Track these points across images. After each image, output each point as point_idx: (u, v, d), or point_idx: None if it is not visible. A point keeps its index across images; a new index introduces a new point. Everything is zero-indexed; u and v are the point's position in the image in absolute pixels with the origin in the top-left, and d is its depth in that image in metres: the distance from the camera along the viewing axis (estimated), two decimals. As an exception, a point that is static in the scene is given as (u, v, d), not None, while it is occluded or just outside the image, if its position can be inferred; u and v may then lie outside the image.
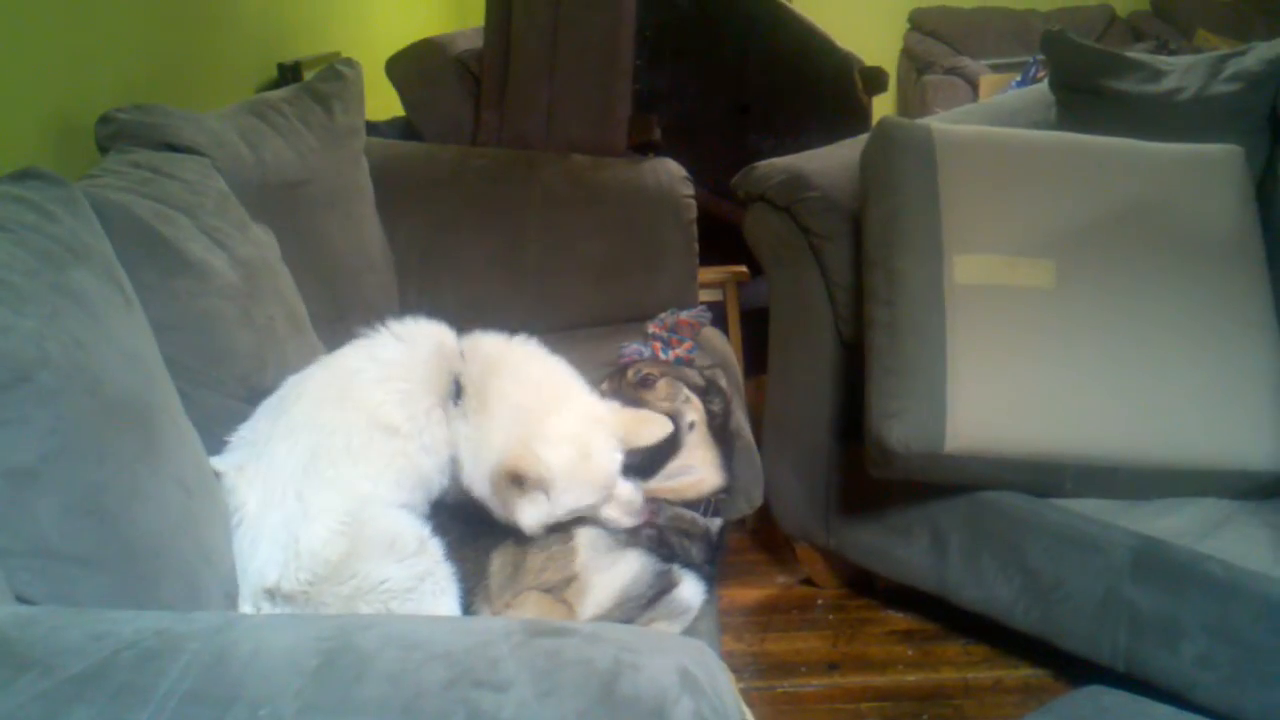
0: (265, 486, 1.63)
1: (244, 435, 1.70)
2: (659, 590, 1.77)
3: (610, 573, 1.74)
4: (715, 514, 1.90)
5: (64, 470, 1.19)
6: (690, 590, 1.81)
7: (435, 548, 1.65)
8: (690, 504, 1.87)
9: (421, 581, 1.60)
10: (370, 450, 1.70)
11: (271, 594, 1.55)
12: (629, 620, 1.73)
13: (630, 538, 1.78)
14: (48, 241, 1.33)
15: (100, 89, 2.19)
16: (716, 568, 1.90)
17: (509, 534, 1.74)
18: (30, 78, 2.02)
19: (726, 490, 1.93)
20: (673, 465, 1.88)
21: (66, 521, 1.19)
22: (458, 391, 1.79)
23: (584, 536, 1.76)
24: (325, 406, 1.73)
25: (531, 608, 1.67)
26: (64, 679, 0.93)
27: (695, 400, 1.96)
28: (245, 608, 1.55)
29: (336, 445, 1.68)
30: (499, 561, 1.74)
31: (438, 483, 1.77)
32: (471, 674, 0.95)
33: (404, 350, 1.83)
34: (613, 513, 1.74)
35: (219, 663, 0.96)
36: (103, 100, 2.05)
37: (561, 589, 1.70)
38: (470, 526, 1.76)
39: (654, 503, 1.82)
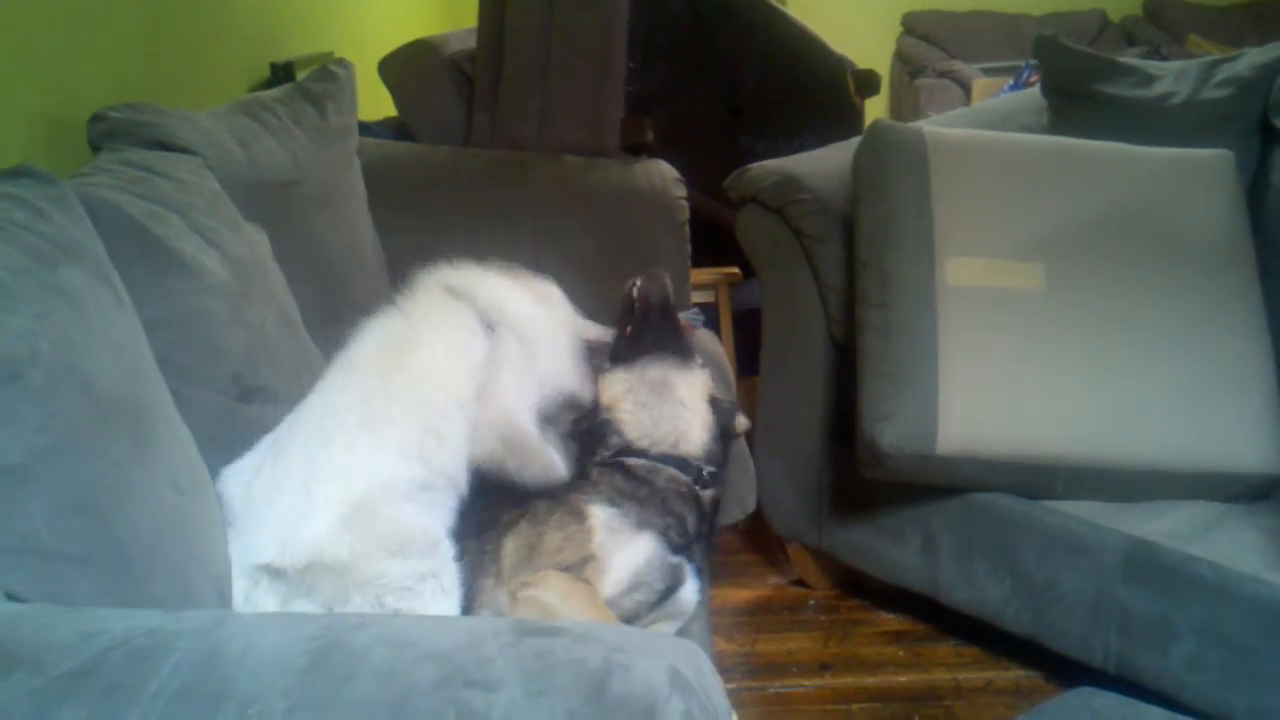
0: (281, 469, 1.66)
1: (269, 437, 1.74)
2: (669, 585, 1.79)
3: (626, 553, 1.76)
4: (706, 488, 1.92)
5: (55, 468, 1.19)
6: (689, 590, 1.83)
7: (446, 549, 1.66)
8: (681, 463, 1.90)
9: (423, 581, 1.61)
10: (389, 414, 1.74)
11: (269, 570, 1.56)
12: (641, 606, 1.75)
13: (642, 519, 1.80)
14: (38, 239, 1.32)
15: (93, 87, 2.19)
16: (711, 543, 1.94)
17: (522, 517, 1.78)
18: (22, 75, 2.01)
19: (716, 466, 1.95)
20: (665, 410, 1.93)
21: (57, 519, 1.19)
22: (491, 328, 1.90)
23: (599, 517, 1.79)
24: (344, 382, 1.80)
25: (553, 584, 1.67)
26: (54, 677, 0.93)
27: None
28: (240, 583, 1.56)
29: (350, 420, 1.71)
30: (512, 544, 1.76)
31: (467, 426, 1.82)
32: (462, 673, 0.95)
33: (422, 306, 1.94)
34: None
35: (209, 661, 0.96)
36: (95, 98, 2.04)
37: (580, 568, 1.72)
38: (487, 511, 1.79)
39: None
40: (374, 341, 1.89)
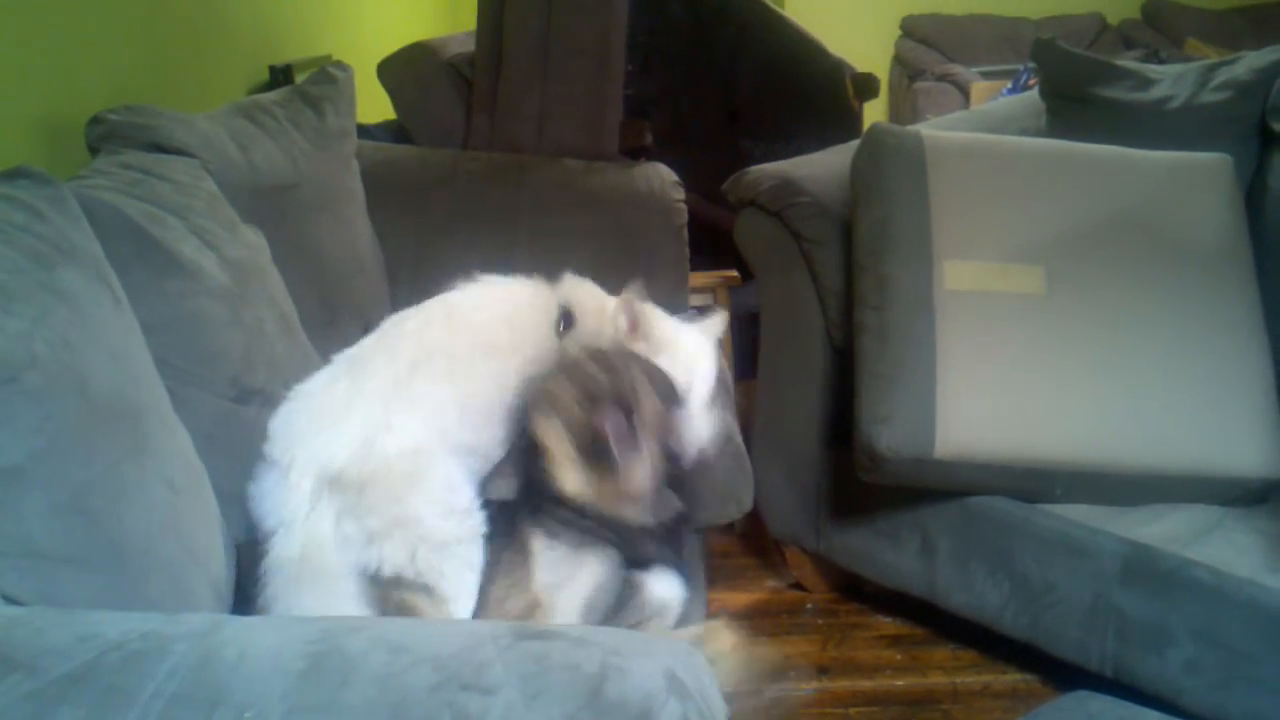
0: (356, 383, 1.72)
1: (348, 352, 1.81)
2: (626, 597, 1.74)
3: (570, 587, 1.70)
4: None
5: (51, 470, 1.19)
6: (662, 586, 1.77)
7: (478, 522, 1.68)
8: None
9: (457, 544, 1.64)
10: (470, 372, 1.78)
11: (332, 480, 1.61)
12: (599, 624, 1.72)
13: (582, 542, 1.73)
14: (36, 241, 1.32)
15: (91, 90, 2.19)
16: (681, 548, 1.87)
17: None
18: (21, 78, 2.01)
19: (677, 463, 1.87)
20: None
21: (54, 521, 1.18)
22: (568, 320, 1.91)
23: (537, 545, 1.72)
24: (431, 328, 1.83)
25: None
26: (50, 680, 0.92)
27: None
28: (304, 485, 1.61)
29: (437, 366, 1.75)
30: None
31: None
32: (458, 677, 0.95)
33: (510, 285, 1.97)
34: None
35: (205, 665, 0.96)
36: (93, 101, 2.04)
37: (526, 618, 1.68)
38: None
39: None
40: (482, 296, 1.94)
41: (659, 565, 1.80)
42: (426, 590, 1.61)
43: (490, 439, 1.80)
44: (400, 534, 1.60)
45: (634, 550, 1.77)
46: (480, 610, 1.71)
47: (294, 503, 1.62)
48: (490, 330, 1.87)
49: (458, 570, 1.63)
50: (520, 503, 1.80)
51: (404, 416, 1.68)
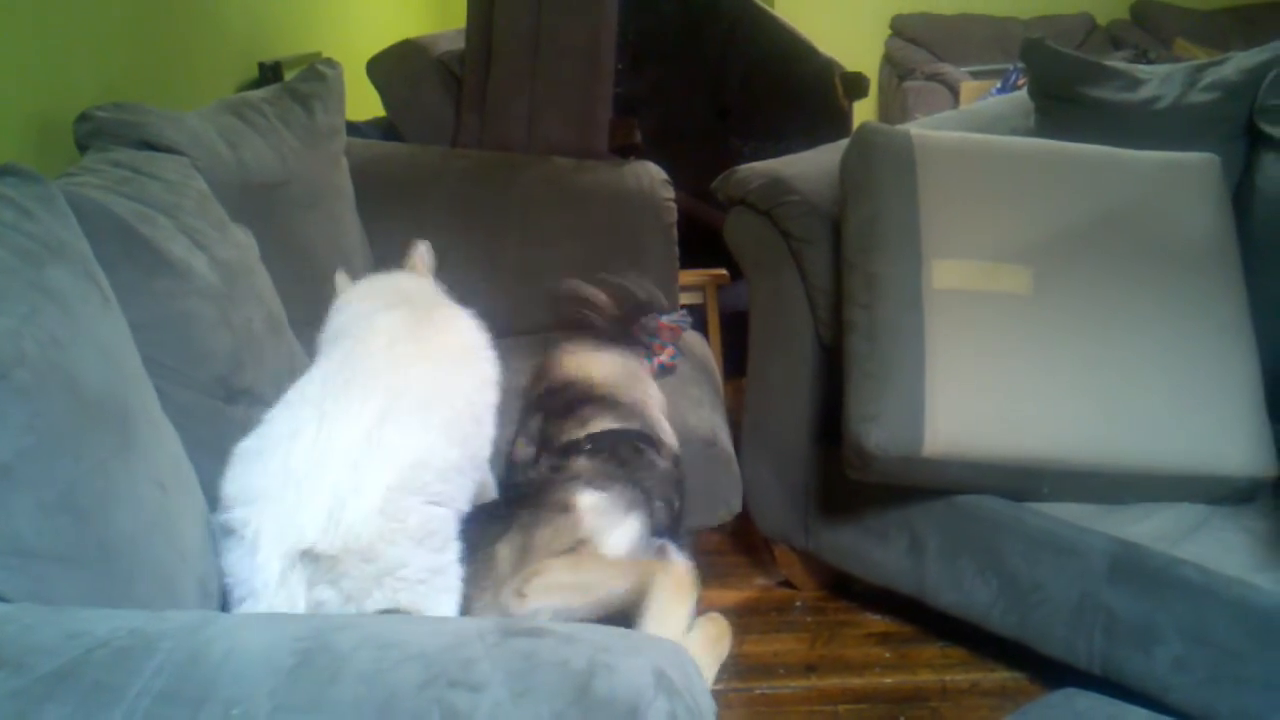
0: (323, 437, 1.62)
1: (310, 392, 1.71)
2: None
3: (617, 532, 1.78)
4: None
5: (39, 468, 1.19)
6: (679, 556, 1.84)
7: (455, 548, 1.67)
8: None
9: (434, 575, 1.61)
10: (437, 390, 1.75)
11: (307, 554, 1.54)
12: None
13: (633, 501, 1.82)
14: (25, 239, 1.32)
15: (80, 87, 2.18)
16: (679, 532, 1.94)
17: (509, 527, 1.78)
18: (8, 75, 2.00)
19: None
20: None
21: (42, 519, 1.18)
22: None
23: (585, 501, 1.80)
24: (401, 352, 1.79)
25: (559, 568, 1.69)
26: (36, 677, 0.92)
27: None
28: (276, 563, 1.53)
29: (408, 403, 1.69)
30: (505, 550, 1.76)
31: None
32: (446, 674, 0.95)
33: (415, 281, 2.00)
34: None
35: (192, 662, 0.96)
36: (82, 98, 2.04)
37: (573, 553, 1.73)
38: (479, 525, 1.77)
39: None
40: (411, 313, 1.92)
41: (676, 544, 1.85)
42: None
43: (478, 439, 1.80)
44: (379, 590, 1.56)
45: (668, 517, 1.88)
46: (525, 556, 1.73)
47: (263, 577, 1.54)
48: (467, 334, 1.88)
49: (437, 599, 1.61)
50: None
51: (374, 475, 1.59)
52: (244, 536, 1.55)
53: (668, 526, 1.87)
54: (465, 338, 1.92)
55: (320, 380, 1.73)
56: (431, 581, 1.61)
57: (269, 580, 1.53)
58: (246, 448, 1.63)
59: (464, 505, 1.73)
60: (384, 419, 1.65)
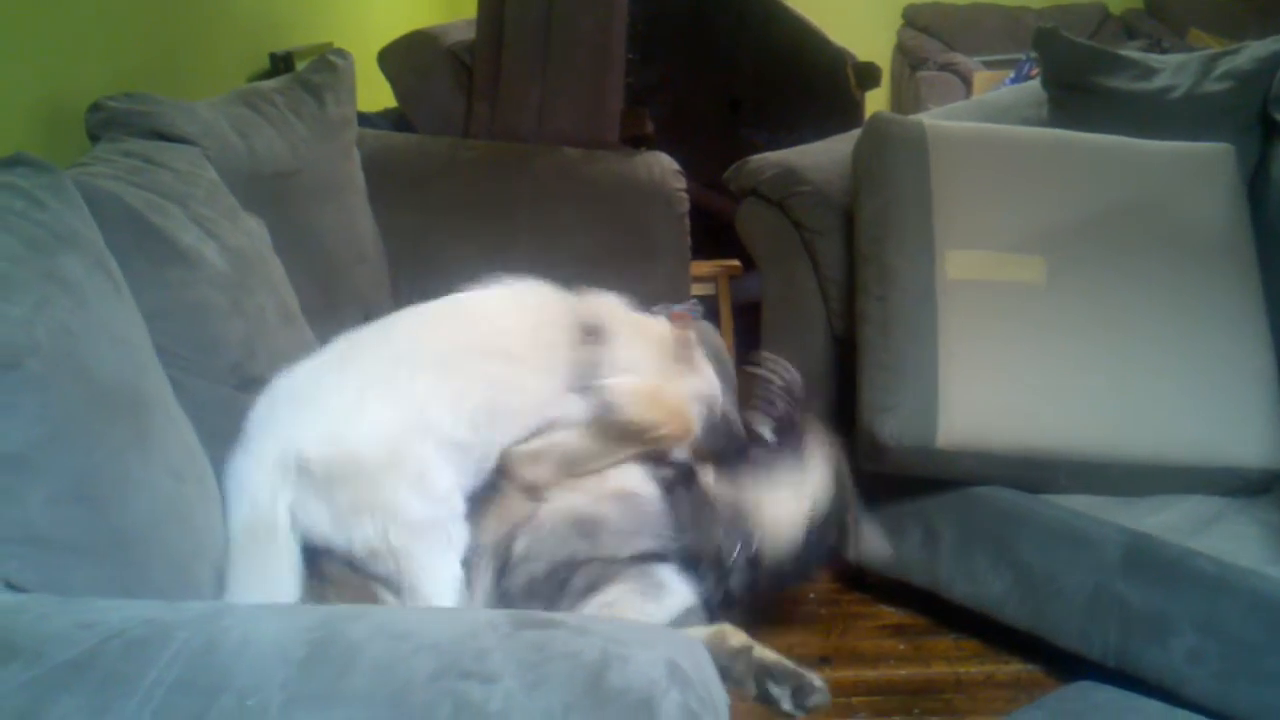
0: (341, 369, 1.72)
1: (346, 337, 1.80)
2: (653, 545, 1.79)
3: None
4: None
5: (53, 457, 1.19)
6: (677, 577, 1.81)
7: (459, 503, 1.68)
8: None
9: (433, 528, 1.63)
10: (469, 371, 1.76)
11: (298, 466, 1.59)
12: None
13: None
14: (36, 228, 1.32)
15: (91, 77, 2.18)
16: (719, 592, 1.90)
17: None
18: (21, 65, 2.01)
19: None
20: None
21: (56, 509, 1.18)
22: (597, 335, 1.89)
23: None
24: (433, 325, 1.85)
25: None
26: (51, 667, 0.92)
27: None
28: (269, 474, 1.58)
29: (427, 361, 1.74)
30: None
31: (534, 416, 1.82)
32: (459, 665, 0.95)
33: (526, 291, 1.96)
34: None
35: (207, 652, 0.95)
36: (94, 88, 2.03)
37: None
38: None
39: None
40: (498, 300, 1.94)
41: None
42: (393, 586, 1.61)
43: (489, 439, 1.78)
44: (370, 515, 1.59)
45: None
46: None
47: (256, 481, 1.60)
48: (500, 335, 1.85)
49: (431, 549, 1.62)
50: None
51: (379, 405, 1.66)
52: (250, 440, 1.62)
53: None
54: (504, 341, 1.89)
55: (356, 333, 1.82)
56: (427, 533, 1.62)
57: (261, 484, 1.59)
58: (290, 370, 1.73)
59: (464, 480, 1.73)
60: (401, 362, 1.72)
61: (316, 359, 1.77)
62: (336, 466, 1.59)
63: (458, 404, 1.72)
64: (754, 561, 1.90)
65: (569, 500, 1.75)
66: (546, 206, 2.81)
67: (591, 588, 1.71)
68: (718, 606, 1.88)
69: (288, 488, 1.59)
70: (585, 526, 1.73)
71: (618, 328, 1.93)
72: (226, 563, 1.55)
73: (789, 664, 1.58)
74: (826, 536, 1.99)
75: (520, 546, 1.69)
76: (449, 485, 1.68)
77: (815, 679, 1.56)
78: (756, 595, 1.96)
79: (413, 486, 1.62)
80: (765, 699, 1.56)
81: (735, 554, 1.87)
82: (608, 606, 1.70)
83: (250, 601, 1.47)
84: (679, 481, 1.85)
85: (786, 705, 1.55)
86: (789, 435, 1.98)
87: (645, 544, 1.78)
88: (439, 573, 1.63)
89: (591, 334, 1.89)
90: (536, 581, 1.69)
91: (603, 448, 1.81)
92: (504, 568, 1.69)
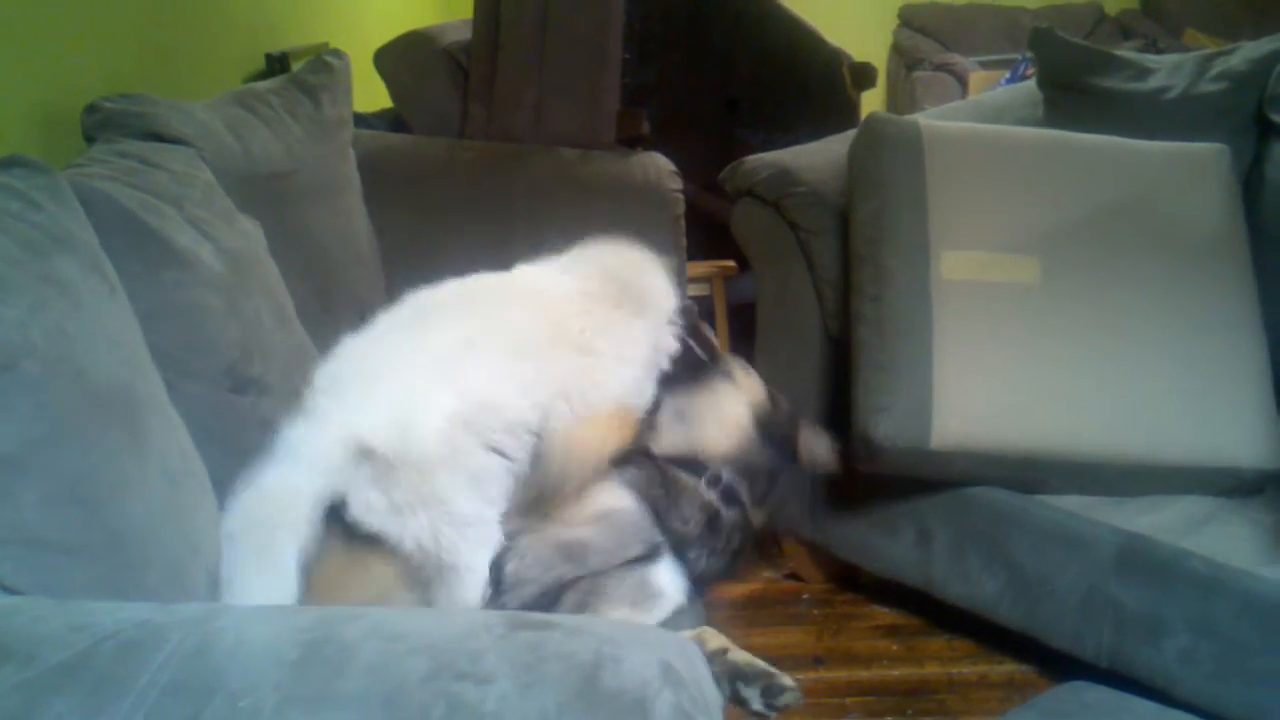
0: (410, 343, 1.72)
1: (419, 301, 1.81)
2: (640, 551, 1.78)
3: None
4: (726, 497, 1.89)
5: (48, 458, 1.19)
6: (667, 577, 1.81)
7: (501, 505, 1.68)
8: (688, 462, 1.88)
9: (479, 525, 1.63)
10: (538, 357, 1.76)
11: (362, 449, 1.59)
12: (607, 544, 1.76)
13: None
14: (31, 229, 1.32)
15: (87, 78, 2.18)
16: (717, 559, 1.89)
17: None
18: (16, 66, 2.01)
19: (748, 476, 1.93)
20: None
21: (50, 510, 1.18)
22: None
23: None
24: (508, 303, 1.83)
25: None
26: (44, 670, 0.93)
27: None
28: (333, 451, 1.58)
29: (498, 342, 1.73)
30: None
31: (610, 405, 1.82)
32: (453, 666, 0.95)
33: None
34: None
35: (200, 654, 0.96)
36: (89, 89, 2.04)
37: None
38: None
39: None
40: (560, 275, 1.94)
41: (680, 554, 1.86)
42: (421, 580, 1.61)
43: (554, 431, 1.77)
44: (425, 511, 1.59)
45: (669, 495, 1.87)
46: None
47: (313, 450, 1.60)
48: (574, 319, 1.86)
49: (474, 548, 1.62)
50: None
51: (446, 396, 1.65)
52: (313, 412, 1.63)
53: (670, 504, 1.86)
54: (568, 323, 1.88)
55: (428, 299, 1.82)
56: (473, 530, 1.62)
57: (318, 457, 1.59)
58: (347, 340, 1.74)
59: (523, 467, 1.72)
60: (469, 347, 1.70)
61: (389, 323, 1.76)
62: (398, 459, 1.59)
63: (528, 393, 1.72)
64: (729, 494, 1.89)
65: (551, 530, 1.75)
66: (542, 207, 2.81)
67: (582, 605, 1.71)
68: (725, 568, 1.90)
69: (345, 470, 1.59)
70: (570, 551, 1.73)
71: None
72: (246, 526, 1.56)
73: (761, 665, 1.58)
74: (780, 443, 2.02)
75: (510, 570, 1.69)
76: (501, 488, 1.67)
77: (786, 679, 1.56)
78: (746, 534, 1.95)
79: (466, 485, 1.62)
80: (737, 700, 1.56)
81: (705, 487, 1.87)
82: None
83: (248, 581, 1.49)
84: (646, 476, 1.85)
85: (757, 705, 1.55)
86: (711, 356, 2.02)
87: (632, 552, 1.77)
88: (472, 574, 1.63)
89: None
90: (528, 605, 1.68)
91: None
92: (498, 589, 1.69)
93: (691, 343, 2.00)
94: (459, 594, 1.60)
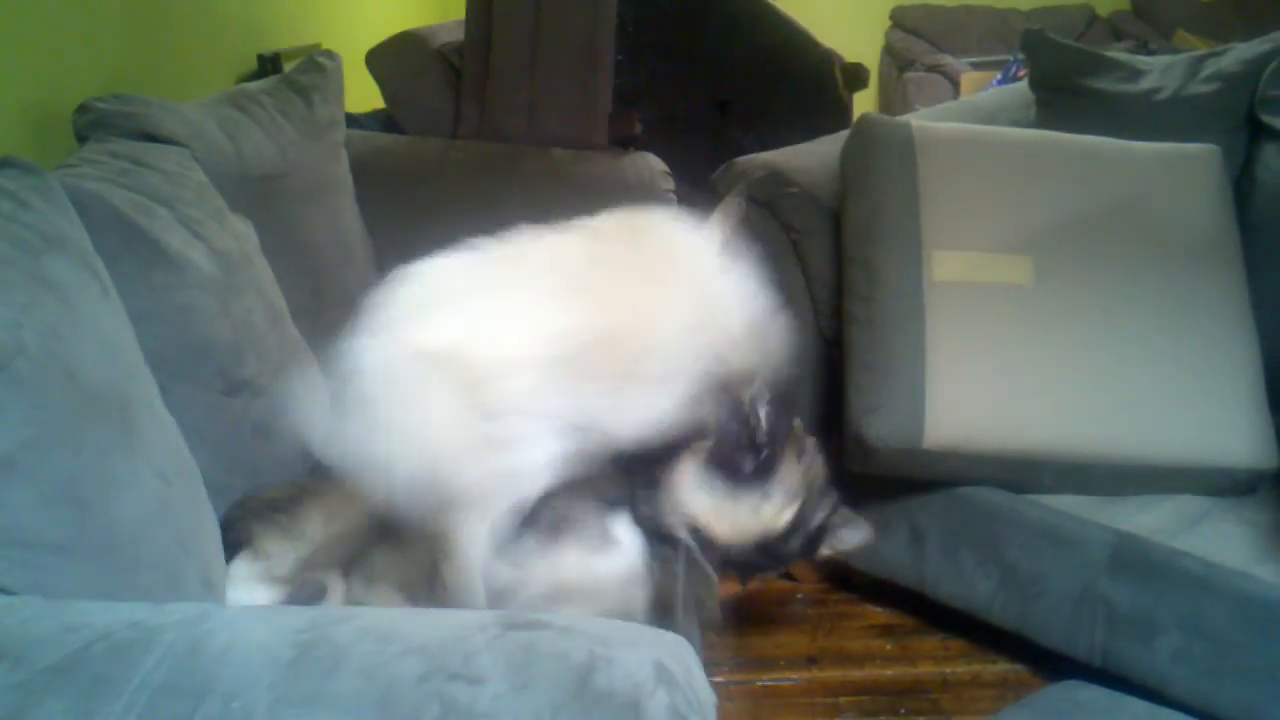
0: (483, 281, 1.75)
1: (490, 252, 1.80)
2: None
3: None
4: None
5: (40, 459, 1.19)
6: (624, 530, 1.74)
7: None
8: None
9: (510, 478, 1.58)
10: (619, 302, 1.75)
11: (425, 352, 1.56)
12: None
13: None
14: (23, 230, 1.31)
15: (79, 78, 2.18)
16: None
17: None
18: (7, 66, 2.00)
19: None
20: None
21: (43, 510, 1.18)
22: None
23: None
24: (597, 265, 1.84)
25: None
26: (36, 671, 0.92)
27: None
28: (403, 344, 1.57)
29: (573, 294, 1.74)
30: None
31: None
32: (446, 667, 0.95)
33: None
34: None
35: (193, 655, 0.95)
36: (80, 90, 2.03)
37: None
38: None
39: None
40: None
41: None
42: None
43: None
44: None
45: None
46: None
47: (386, 355, 1.57)
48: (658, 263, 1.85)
49: (530, 448, 1.59)
50: None
51: (516, 337, 1.63)
52: (378, 329, 1.60)
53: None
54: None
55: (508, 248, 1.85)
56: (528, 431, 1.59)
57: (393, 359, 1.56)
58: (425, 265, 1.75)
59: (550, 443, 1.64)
60: (554, 294, 1.74)
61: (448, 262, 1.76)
62: (458, 354, 1.56)
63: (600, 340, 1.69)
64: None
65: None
66: (535, 207, 2.78)
67: (555, 529, 1.67)
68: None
69: (427, 369, 1.56)
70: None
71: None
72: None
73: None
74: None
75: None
76: (548, 453, 1.61)
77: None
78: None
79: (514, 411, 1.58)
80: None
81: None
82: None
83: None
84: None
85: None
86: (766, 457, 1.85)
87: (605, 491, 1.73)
88: (537, 456, 1.60)
89: None
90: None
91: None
92: None
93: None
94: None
